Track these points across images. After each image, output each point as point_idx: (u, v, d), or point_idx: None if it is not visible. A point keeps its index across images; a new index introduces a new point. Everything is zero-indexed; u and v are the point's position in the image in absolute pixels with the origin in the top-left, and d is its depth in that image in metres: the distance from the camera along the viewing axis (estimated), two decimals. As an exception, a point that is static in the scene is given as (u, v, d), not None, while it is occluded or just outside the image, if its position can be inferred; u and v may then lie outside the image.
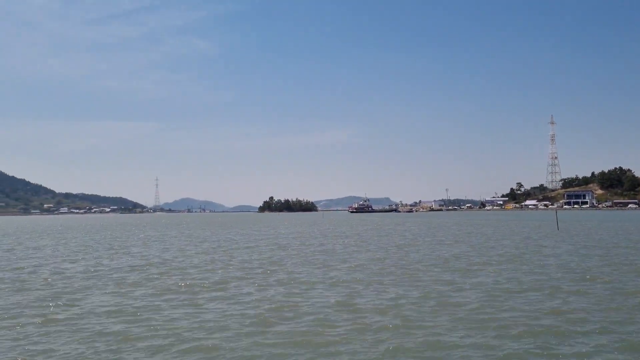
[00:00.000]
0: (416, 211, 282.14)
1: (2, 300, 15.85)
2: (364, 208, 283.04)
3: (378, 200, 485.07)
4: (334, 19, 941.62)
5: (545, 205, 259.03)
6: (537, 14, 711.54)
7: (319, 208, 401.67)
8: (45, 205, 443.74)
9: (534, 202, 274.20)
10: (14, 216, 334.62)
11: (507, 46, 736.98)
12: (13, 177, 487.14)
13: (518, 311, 13.34)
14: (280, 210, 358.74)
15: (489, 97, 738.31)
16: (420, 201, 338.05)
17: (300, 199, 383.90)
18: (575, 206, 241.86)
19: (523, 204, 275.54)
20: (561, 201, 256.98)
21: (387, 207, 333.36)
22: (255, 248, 35.19)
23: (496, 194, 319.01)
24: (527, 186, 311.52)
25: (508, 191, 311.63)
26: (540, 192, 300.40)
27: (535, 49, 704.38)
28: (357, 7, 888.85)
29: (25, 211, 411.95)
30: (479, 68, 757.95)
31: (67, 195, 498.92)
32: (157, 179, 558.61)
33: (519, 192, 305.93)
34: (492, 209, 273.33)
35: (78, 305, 14.83)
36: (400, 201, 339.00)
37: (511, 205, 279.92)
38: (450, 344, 10.56)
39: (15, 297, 16.28)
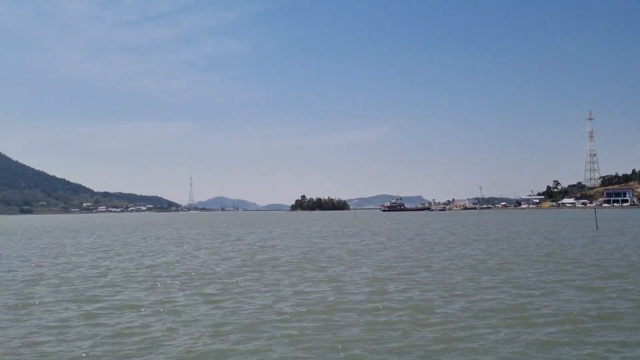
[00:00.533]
0: (449, 210, 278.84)
1: (48, 294, 16.51)
2: (396, 206, 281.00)
3: (410, 199, 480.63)
4: (367, 18, 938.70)
5: (583, 203, 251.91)
6: (572, 8, 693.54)
7: (351, 206, 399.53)
8: (84, 204, 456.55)
9: (571, 200, 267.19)
10: (54, 215, 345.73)
11: (544, 40, 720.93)
12: (54, 176, 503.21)
13: (552, 311, 13.18)
14: (312, 209, 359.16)
15: (524, 93, 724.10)
16: (453, 199, 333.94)
17: (332, 197, 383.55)
18: (615, 205, 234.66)
19: (560, 202, 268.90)
20: (600, 199, 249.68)
21: (419, 206, 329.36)
22: (289, 246, 35.55)
23: (532, 192, 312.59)
24: (564, 184, 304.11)
25: (544, 189, 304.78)
26: (578, 190, 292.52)
27: (573, 44, 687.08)
28: (393, 5, 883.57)
29: (65, 210, 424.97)
30: (514, 64, 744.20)
31: (105, 194, 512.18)
32: (191, 178, 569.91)
33: (555, 190, 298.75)
34: (528, 208, 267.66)
35: (107, 301, 15.35)
36: (433, 199, 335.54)
37: (548, 204, 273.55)
38: (482, 340, 10.54)
39: (68, 293, 16.93)
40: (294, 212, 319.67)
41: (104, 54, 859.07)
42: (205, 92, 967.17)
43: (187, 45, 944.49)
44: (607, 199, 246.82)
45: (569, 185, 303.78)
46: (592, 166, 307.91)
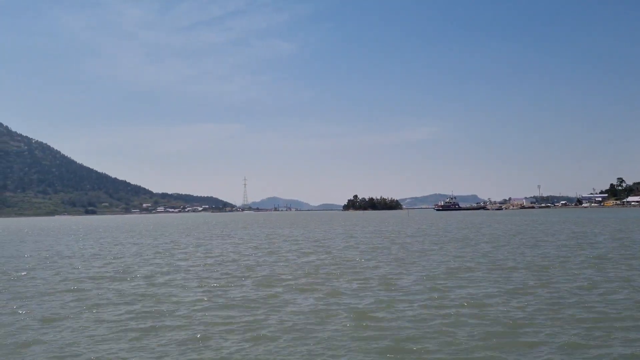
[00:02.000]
0: (506, 209, 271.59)
1: (110, 291, 17.90)
2: (450, 206, 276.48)
3: (464, 198, 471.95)
4: (417, 16, 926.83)
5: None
6: (630, 3, 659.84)
7: (404, 206, 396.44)
8: (144, 205, 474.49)
9: (637, 198, 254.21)
10: (116, 215, 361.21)
11: (605, 34, 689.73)
12: (115, 178, 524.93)
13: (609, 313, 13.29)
14: (365, 209, 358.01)
15: (585, 87, 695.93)
16: (510, 198, 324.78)
17: (385, 197, 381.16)
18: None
19: (624, 200, 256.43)
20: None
21: (474, 205, 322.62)
22: (347, 247, 36.19)
23: (594, 190, 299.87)
24: (629, 181, 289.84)
25: (607, 187, 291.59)
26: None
27: (633, 38, 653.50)
28: (442, 4, 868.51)
29: (127, 210, 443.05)
30: (576, 57, 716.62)
31: (164, 195, 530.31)
32: (245, 179, 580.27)
33: (619, 187, 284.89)
34: (590, 206, 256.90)
35: (166, 302, 16.49)
36: (489, 198, 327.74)
37: (611, 202, 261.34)
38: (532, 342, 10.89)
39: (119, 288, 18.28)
40: (347, 212, 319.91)
41: (161, 60, 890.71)
42: (257, 93, 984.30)
43: (239, 48, 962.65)
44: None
45: (634, 183, 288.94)
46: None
